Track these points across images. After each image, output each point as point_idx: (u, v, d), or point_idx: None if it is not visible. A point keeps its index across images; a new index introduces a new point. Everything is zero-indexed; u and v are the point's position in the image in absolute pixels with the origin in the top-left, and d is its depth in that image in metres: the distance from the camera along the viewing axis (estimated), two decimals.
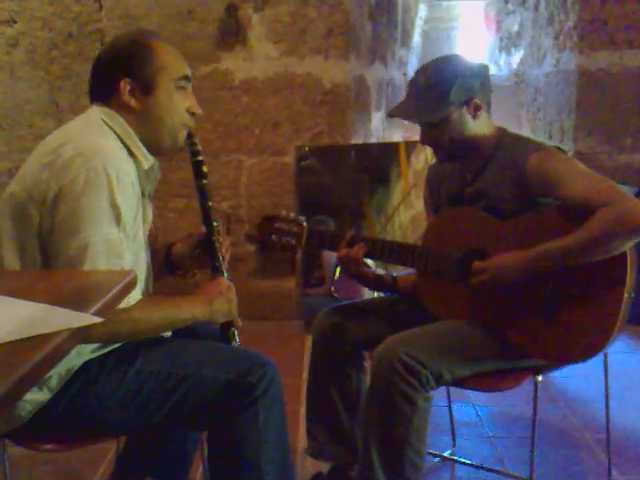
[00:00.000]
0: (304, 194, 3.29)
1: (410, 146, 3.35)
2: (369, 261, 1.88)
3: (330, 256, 3.19)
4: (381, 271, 1.99)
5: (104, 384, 1.39)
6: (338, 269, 2.88)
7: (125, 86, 1.45)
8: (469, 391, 2.15)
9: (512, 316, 1.68)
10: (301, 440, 2.13)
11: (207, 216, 1.61)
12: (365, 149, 3.43)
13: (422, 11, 4.67)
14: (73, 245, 1.29)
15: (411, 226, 3.33)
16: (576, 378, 2.60)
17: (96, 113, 1.46)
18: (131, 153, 1.45)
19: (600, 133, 3.40)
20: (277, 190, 3.39)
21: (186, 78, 1.52)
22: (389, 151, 3.41)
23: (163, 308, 1.43)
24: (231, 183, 3.39)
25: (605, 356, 1.79)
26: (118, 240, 1.33)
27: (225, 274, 1.59)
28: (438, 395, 1.75)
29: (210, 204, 1.61)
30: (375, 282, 1.88)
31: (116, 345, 1.43)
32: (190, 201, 3.38)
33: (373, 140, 3.77)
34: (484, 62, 1.85)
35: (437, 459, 2.13)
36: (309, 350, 1.90)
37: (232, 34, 3.27)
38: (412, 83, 1.75)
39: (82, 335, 0.92)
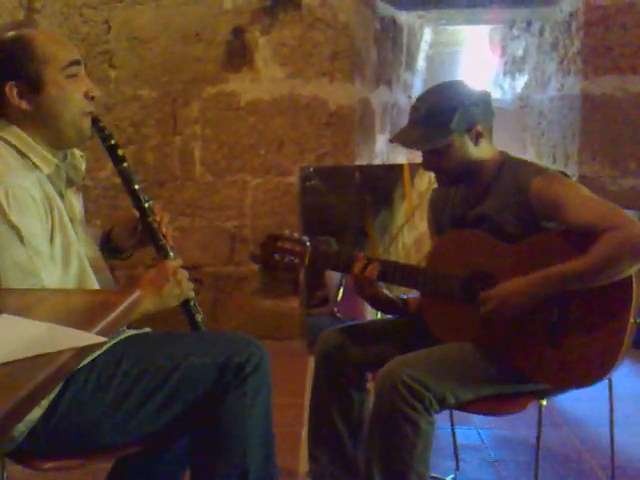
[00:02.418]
0: (308, 214, 3.30)
1: (414, 168, 3.36)
2: None
3: (333, 276, 3.18)
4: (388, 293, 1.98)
5: (94, 391, 1.38)
6: (341, 289, 2.87)
7: (11, 90, 1.37)
8: (472, 415, 2.13)
9: (517, 340, 1.67)
10: (302, 462, 2.11)
11: (136, 199, 1.54)
12: (369, 170, 3.45)
13: (427, 35, 4.71)
14: None
15: (414, 247, 3.33)
16: (581, 403, 2.58)
17: None
18: (30, 160, 1.38)
19: (604, 157, 3.41)
20: (281, 210, 3.40)
21: (75, 63, 1.42)
22: (393, 173, 3.43)
23: None
24: (236, 203, 3.40)
25: (610, 381, 1.78)
26: (27, 259, 1.29)
27: (170, 253, 1.54)
28: (441, 418, 1.73)
29: (136, 187, 1.54)
30: (386, 304, 1.88)
31: (99, 351, 1.40)
32: (194, 220, 3.39)
33: (377, 162, 3.78)
34: (485, 89, 1.86)
35: None
36: (311, 370, 1.90)
37: (239, 56, 3.31)
38: (414, 110, 1.76)
39: (86, 355, 0.92)
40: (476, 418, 2.45)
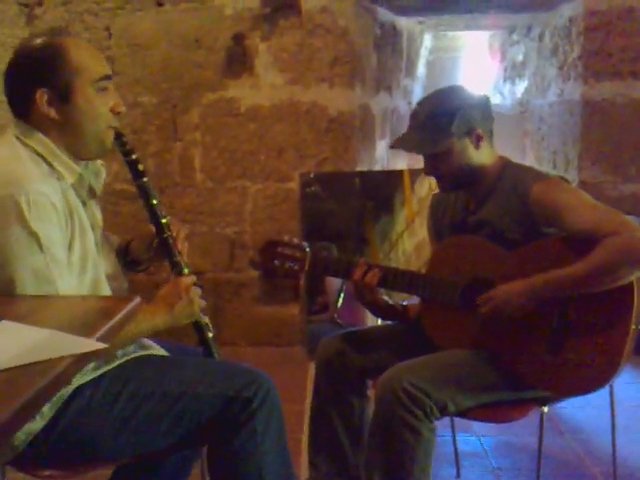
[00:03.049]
0: (308, 220, 3.30)
1: (414, 174, 3.35)
2: None
3: (333, 282, 3.18)
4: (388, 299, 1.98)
5: (98, 409, 1.37)
6: (341, 296, 2.86)
7: (41, 97, 1.36)
8: (473, 422, 2.13)
9: (518, 347, 1.66)
10: (303, 470, 2.10)
11: (153, 214, 1.54)
12: (369, 176, 3.44)
13: (427, 41, 4.72)
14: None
15: (415, 253, 3.32)
16: (582, 409, 2.57)
17: (10, 132, 1.40)
18: (54, 168, 1.38)
19: (605, 163, 3.41)
20: (281, 216, 3.39)
21: (106, 77, 1.43)
22: (393, 179, 3.42)
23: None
24: (236, 209, 3.40)
25: (611, 387, 1.77)
26: (44, 266, 1.29)
27: (185, 269, 1.54)
28: (442, 425, 1.73)
29: (154, 202, 1.54)
30: (386, 310, 1.87)
31: (108, 367, 1.41)
32: (194, 226, 3.39)
33: (377, 168, 3.78)
34: (484, 93, 1.87)
35: None
36: (312, 377, 1.89)
37: (239, 63, 3.31)
38: (413, 115, 1.76)
39: (86, 361, 0.91)
40: (477, 425, 2.44)
